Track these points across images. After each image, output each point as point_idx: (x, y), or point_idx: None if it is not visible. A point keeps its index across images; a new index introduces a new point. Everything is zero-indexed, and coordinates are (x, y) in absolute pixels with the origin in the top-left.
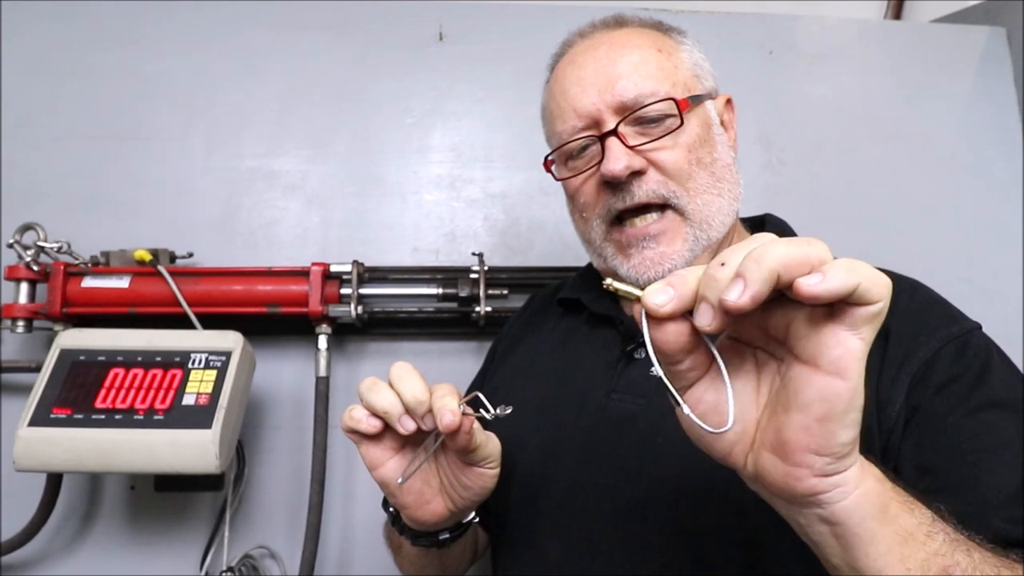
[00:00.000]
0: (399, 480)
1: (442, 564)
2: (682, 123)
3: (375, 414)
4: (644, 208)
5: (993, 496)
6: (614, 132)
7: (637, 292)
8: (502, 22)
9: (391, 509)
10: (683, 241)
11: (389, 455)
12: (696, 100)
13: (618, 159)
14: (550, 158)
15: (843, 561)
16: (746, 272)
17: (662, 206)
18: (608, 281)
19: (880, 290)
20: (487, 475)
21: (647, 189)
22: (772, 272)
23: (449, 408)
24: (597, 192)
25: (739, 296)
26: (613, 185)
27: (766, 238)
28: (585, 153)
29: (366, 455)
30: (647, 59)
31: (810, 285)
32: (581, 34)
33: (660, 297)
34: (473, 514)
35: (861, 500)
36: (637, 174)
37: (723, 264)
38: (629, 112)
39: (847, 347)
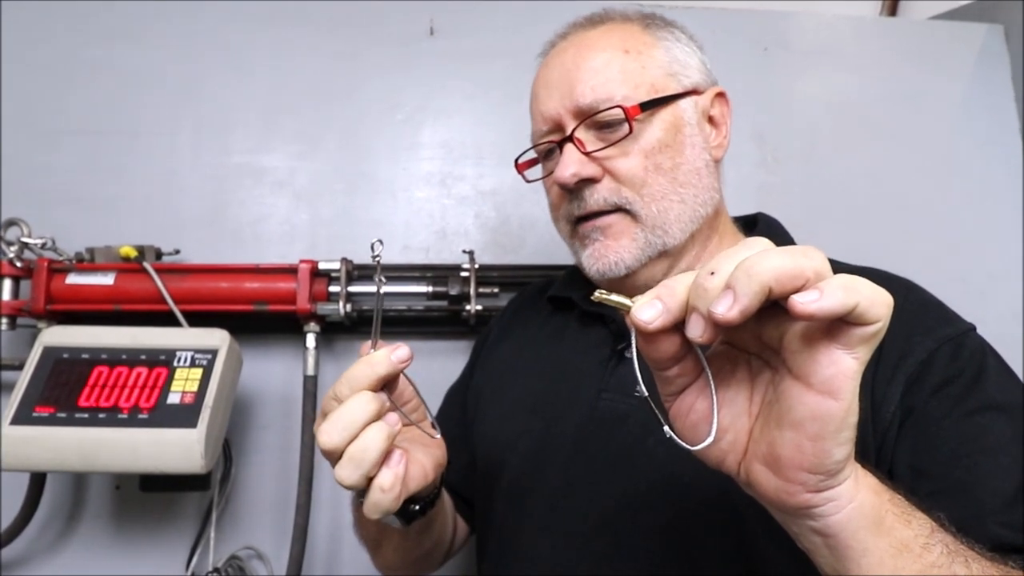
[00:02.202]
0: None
1: (429, 531)
2: (631, 131)
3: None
4: (598, 214)
5: (989, 500)
6: (570, 138)
7: (627, 303)
8: (494, 18)
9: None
10: (631, 240)
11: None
12: (656, 104)
13: (567, 167)
14: (522, 160)
15: (835, 571)
16: (736, 284)
17: (615, 211)
18: (597, 293)
19: (879, 310)
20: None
21: (598, 197)
22: (764, 286)
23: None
24: (560, 195)
25: (727, 309)
26: (569, 190)
27: (760, 245)
28: (553, 156)
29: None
30: (610, 62)
31: (805, 303)
32: (561, 35)
33: (648, 313)
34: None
35: (855, 513)
36: (589, 181)
37: (712, 273)
38: (585, 117)
39: (841, 367)
